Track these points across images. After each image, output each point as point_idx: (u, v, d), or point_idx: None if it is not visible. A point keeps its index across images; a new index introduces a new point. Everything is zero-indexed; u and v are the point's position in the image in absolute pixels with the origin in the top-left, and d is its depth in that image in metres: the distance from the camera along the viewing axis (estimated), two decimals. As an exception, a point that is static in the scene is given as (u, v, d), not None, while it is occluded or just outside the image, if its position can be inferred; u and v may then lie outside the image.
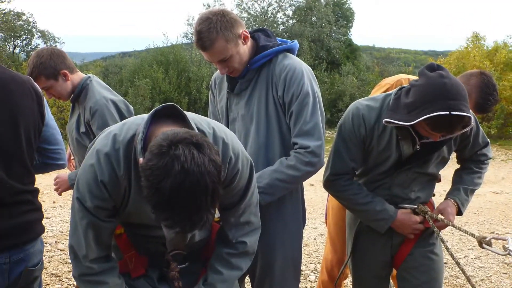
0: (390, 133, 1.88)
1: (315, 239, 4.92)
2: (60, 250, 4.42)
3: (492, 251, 1.85)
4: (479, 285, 3.82)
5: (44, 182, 6.02)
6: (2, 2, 20.19)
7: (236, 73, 1.99)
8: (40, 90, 1.81)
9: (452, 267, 4.06)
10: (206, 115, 1.86)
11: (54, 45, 23.12)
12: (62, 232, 5.05)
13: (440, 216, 1.99)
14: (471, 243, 4.76)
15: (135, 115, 1.96)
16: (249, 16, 21.71)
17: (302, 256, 2.37)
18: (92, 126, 2.37)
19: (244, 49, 1.95)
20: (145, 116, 1.43)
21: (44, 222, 1.83)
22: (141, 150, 1.33)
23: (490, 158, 2.14)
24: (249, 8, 22.01)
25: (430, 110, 1.62)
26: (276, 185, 1.91)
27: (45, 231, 2.02)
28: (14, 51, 23.29)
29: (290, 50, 2.04)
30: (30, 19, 23.18)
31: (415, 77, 2.10)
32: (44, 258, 1.88)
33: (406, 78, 2.60)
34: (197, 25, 1.88)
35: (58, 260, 4.20)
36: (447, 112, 1.59)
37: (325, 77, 18.17)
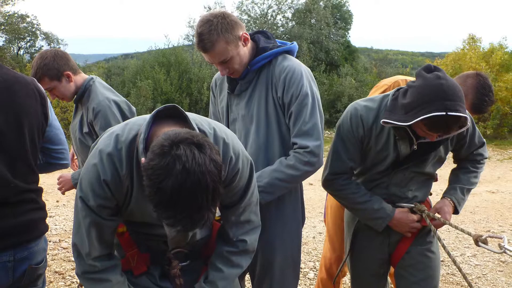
0: (387, 133, 1.90)
1: (314, 238, 4.94)
2: (64, 248, 4.46)
3: (488, 249, 1.86)
4: (475, 283, 3.85)
5: (47, 181, 6.04)
6: (6, 4, 20.25)
7: (237, 74, 2.01)
8: (43, 91, 1.82)
9: (448, 265, 4.09)
10: (207, 116, 1.86)
11: (57, 47, 23.13)
12: (65, 230, 5.08)
13: (437, 214, 2.01)
14: (467, 242, 4.79)
15: (137, 115, 1.98)
16: (249, 18, 21.77)
17: (301, 254, 2.39)
18: (95, 127, 2.39)
19: (244, 50, 1.97)
20: (147, 116, 1.44)
21: (47, 220, 1.84)
22: (143, 150, 1.35)
23: (486, 158, 2.16)
24: (249, 10, 22.09)
25: (427, 110, 1.64)
26: (275, 184, 1.93)
27: (49, 229, 2.03)
28: (18, 52, 23.32)
29: (289, 52, 2.05)
30: (34, 21, 23.21)
31: (412, 78, 2.12)
32: (47, 256, 1.90)
33: (403, 79, 2.61)
34: (198, 27, 1.90)
35: (61, 258, 4.23)
36: (444, 113, 1.61)
37: (324, 78, 18.22)
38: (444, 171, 2.18)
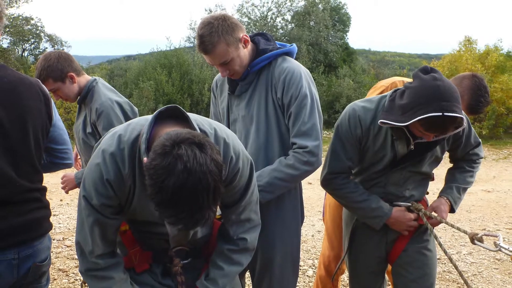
0: (385, 134, 1.92)
1: (313, 236, 4.98)
2: (67, 246, 4.50)
3: (484, 247, 1.88)
4: (471, 280, 3.87)
5: (51, 180, 6.06)
6: (11, 7, 20.26)
7: (237, 76, 2.03)
8: (47, 92, 1.83)
9: (445, 263, 4.12)
10: (208, 116, 1.88)
11: (61, 48, 23.16)
12: (69, 229, 5.11)
13: (433, 213, 2.03)
14: (463, 240, 4.82)
15: (139, 116, 1.99)
16: (249, 21, 21.80)
17: (301, 252, 2.41)
18: (98, 127, 2.41)
19: (245, 52, 1.98)
20: (149, 117, 1.46)
21: (51, 219, 1.85)
22: (145, 150, 1.36)
23: (482, 158, 2.18)
24: (249, 13, 22.15)
25: (424, 111, 1.66)
26: (275, 183, 1.95)
27: (53, 228, 2.04)
28: (23, 54, 23.37)
29: (289, 54, 2.07)
30: (38, 24, 23.27)
31: (410, 80, 2.14)
32: (51, 254, 1.92)
33: (400, 81, 2.61)
34: (199, 29, 1.92)
35: (65, 256, 4.27)
36: (440, 113, 1.63)
37: (322, 80, 18.28)
38: (441, 171, 2.21)
